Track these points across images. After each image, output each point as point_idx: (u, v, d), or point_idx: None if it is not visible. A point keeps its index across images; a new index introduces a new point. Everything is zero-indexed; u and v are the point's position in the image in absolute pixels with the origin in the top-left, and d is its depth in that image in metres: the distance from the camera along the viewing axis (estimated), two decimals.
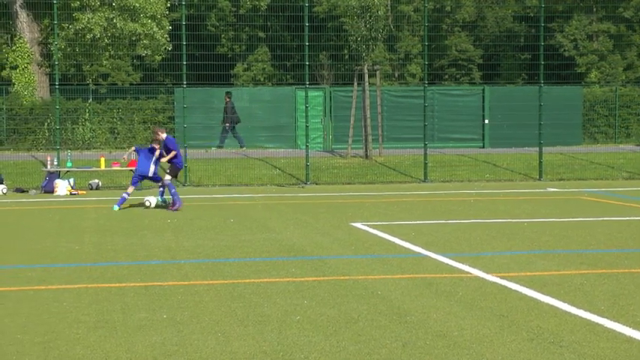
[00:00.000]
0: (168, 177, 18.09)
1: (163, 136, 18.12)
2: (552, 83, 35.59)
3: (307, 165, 25.15)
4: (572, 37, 45.27)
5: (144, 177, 18.14)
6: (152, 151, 18.18)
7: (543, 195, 21.49)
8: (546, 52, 28.21)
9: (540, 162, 26.34)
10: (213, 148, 30.35)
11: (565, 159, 28.90)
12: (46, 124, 30.33)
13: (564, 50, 44.69)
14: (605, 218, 16.04)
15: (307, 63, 25.82)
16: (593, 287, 9.37)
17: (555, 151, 29.74)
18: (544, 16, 27.48)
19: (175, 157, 18.07)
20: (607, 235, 13.66)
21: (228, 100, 31.05)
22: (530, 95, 30.33)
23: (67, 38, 33.77)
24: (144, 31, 33.86)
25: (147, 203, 18.19)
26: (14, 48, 34.48)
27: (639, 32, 46.18)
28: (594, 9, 46.22)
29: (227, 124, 30.51)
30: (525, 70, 45.31)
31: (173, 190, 17.85)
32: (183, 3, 26.05)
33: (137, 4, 33.48)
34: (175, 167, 18.14)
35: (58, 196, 21.51)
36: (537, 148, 26.68)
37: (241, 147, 30.58)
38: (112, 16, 33.39)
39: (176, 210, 17.61)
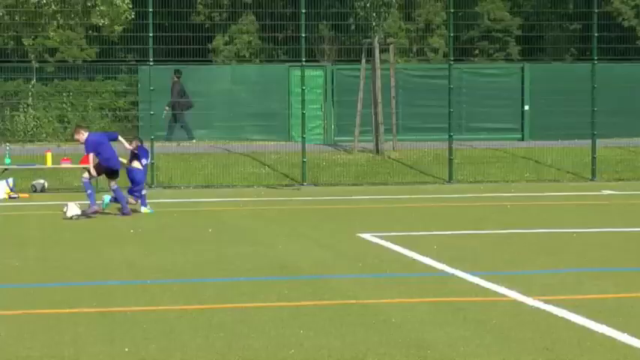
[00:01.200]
0: (86, 175, 18.43)
1: (83, 136, 18.34)
2: (608, 60, 35.61)
3: (304, 162, 25.17)
4: (633, 3, 45.27)
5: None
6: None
7: (597, 199, 21.51)
8: (601, 21, 28.22)
9: (594, 158, 26.36)
10: (193, 141, 30.45)
11: (624, 154, 28.92)
12: None
13: (623, 19, 44.71)
14: None
15: (304, 35, 25.84)
16: None
17: (612, 144, 29.74)
18: None
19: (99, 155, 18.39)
20: None
21: (176, 79, 31.05)
22: (580, 75, 30.31)
23: (5, 4, 33.76)
24: None
25: (64, 209, 18.07)
26: None
27: None
28: None
29: (166, 109, 30.43)
30: (575, 43, 45.30)
31: (89, 192, 18.22)
32: None
33: None
34: (100, 166, 18.36)
35: None
36: (590, 141, 26.69)
37: (190, 138, 30.76)
38: None
39: (91, 213, 17.97)
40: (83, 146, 18.62)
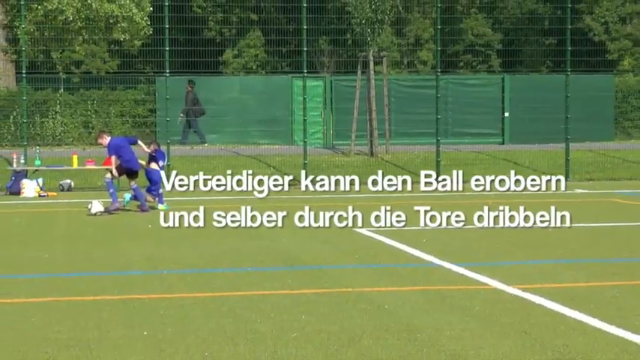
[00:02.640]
0: (109, 175, 18.47)
1: (106, 140, 18.37)
2: (580, 72, 35.57)
3: (305, 163, 25.15)
4: (602, 20, 45.25)
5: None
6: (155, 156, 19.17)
7: (570, 197, 21.49)
8: (573, 36, 28.20)
9: (567, 160, 26.33)
10: (205, 144, 30.41)
11: (595, 156, 28.89)
12: (11, 117, 30.30)
13: (594, 35, 44.67)
14: None
15: (305, 49, 25.81)
16: (626, 301, 9.37)
17: (584, 147, 29.72)
18: None
19: (120, 158, 18.45)
20: None
21: (189, 89, 31.02)
22: (555, 85, 30.31)
23: (36, 21, 33.74)
24: (122, 12, 33.84)
25: (89, 206, 18.05)
26: None
27: None
28: None
29: (180, 115, 30.38)
30: (550, 56, 45.27)
31: (111, 191, 18.23)
32: None
33: None
34: (121, 167, 18.39)
35: (26, 198, 21.51)
36: (564, 145, 26.67)
37: (203, 142, 30.67)
38: None
39: (113, 210, 17.98)
40: (106, 149, 18.63)
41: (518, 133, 33.17)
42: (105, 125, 30.23)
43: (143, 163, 19.03)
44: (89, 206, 17.90)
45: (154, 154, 19.14)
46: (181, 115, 30.62)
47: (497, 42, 46.38)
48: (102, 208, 17.82)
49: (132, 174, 18.52)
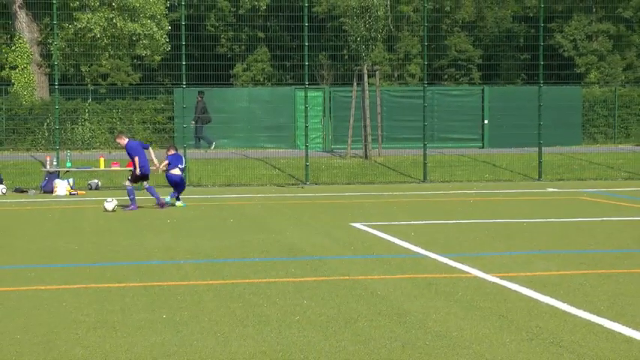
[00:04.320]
0: (128, 182, 18.39)
1: (124, 141, 18.27)
2: (552, 83, 35.58)
3: (307, 165, 25.15)
4: (571, 38, 45.28)
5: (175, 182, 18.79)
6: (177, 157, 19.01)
7: (543, 195, 21.49)
8: (546, 52, 28.22)
9: (540, 162, 26.34)
10: (211, 149, 30.39)
11: (564, 159, 28.90)
12: (45, 124, 30.32)
13: (564, 50, 44.69)
14: (604, 218, 16.05)
15: (307, 63, 25.82)
16: (592, 287, 9.37)
17: (555, 151, 29.74)
18: (543, 17, 27.50)
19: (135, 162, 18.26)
20: (607, 235, 13.66)
21: (199, 99, 31.01)
22: (529, 95, 30.33)
23: (67, 38, 33.76)
24: (143, 31, 33.85)
25: (105, 204, 17.82)
26: (14, 48, 34.45)
27: (638, 32, 46.20)
28: (594, 9, 46.25)
29: (192, 122, 30.34)
30: (525, 70, 45.29)
31: (132, 196, 18.12)
32: (183, 3, 26.06)
33: (137, 4, 33.48)
34: (136, 175, 18.29)
35: (58, 197, 21.51)
36: (537, 148, 26.68)
37: (210, 146, 30.60)
38: (111, 16, 33.39)
39: (130, 210, 17.87)
40: (125, 149, 18.46)
41: (496, 138, 33.20)
42: (128, 131, 30.25)
43: (163, 168, 18.86)
44: (106, 204, 17.68)
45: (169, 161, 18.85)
46: (192, 122, 30.64)
47: (478, 57, 46.40)
48: (115, 203, 17.68)
49: (145, 178, 18.48)
